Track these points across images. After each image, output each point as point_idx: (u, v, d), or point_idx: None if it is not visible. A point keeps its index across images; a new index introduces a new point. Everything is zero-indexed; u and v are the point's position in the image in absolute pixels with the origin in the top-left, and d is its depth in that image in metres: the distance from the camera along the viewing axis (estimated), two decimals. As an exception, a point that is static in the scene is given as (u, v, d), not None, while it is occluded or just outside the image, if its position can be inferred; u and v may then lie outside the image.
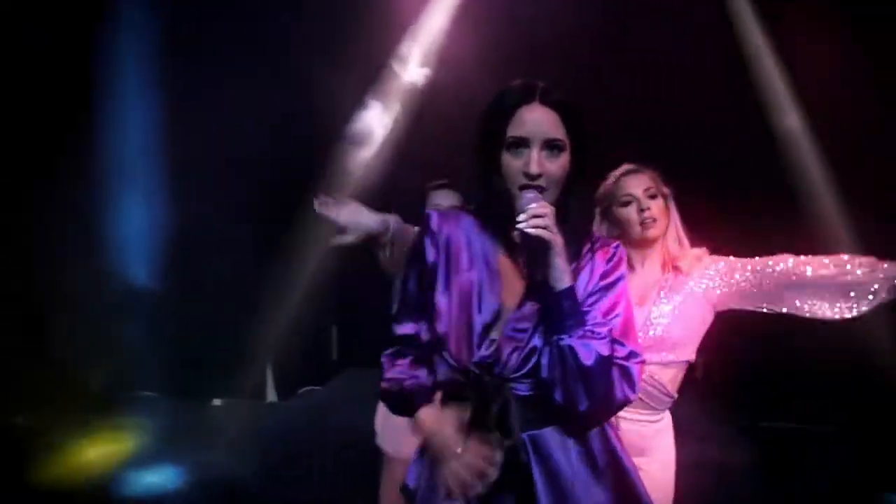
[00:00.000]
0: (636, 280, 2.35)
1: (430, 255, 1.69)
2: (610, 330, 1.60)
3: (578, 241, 1.67)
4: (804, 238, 3.73)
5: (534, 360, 1.59)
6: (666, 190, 2.42)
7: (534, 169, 1.58)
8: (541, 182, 1.59)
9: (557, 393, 1.55)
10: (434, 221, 1.71)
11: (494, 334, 1.61)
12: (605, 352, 1.56)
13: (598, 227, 2.44)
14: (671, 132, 3.94)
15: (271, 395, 4.67)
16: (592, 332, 1.57)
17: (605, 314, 1.62)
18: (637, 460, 2.28)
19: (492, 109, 1.66)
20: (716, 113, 3.88)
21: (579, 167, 1.66)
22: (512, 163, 1.61)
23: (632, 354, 1.62)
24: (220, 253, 4.04)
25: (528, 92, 1.63)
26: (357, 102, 3.76)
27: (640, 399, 2.28)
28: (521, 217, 1.55)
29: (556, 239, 1.56)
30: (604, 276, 1.66)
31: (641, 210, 2.36)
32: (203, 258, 4.11)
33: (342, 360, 4.66)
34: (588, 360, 1.54)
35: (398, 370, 1.69)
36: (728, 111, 3.89)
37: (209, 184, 3.79)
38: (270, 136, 3.99)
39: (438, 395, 1.66)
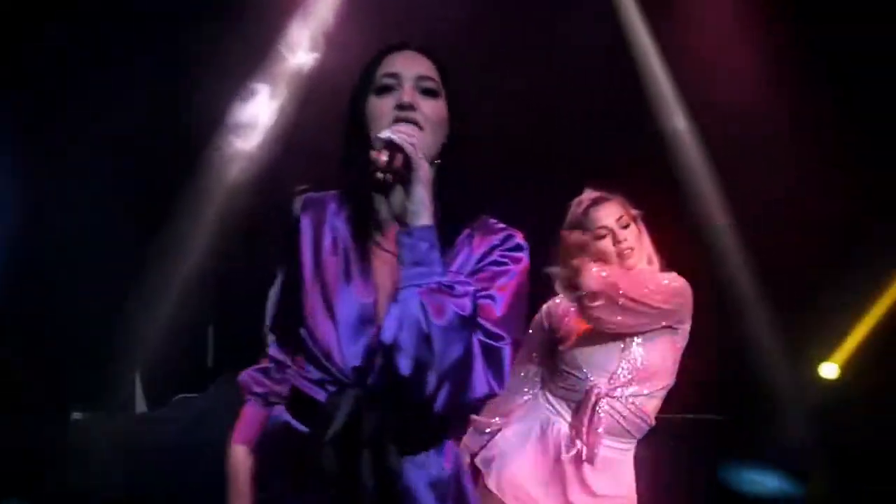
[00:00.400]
0: None
1: (293, 247, 1.45)
2: (475, 291, 1.32)
3: (455, 226, 1.42)
4: (690, 238, 3.89)
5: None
6: (634, 212, 2.38)
7: (406, 98, 1.38)
8: (416, 116, 1.38)
9: (402, 361, 1.25)
10: (296, 207, 1.48)
11: (368, 335, 1.36)
12: (465, 311, 1.27)
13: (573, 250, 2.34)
14: (560, 129, 3.94)
15: (140, 406, 4.29)
16: (451, 286, 1.28)
17: (483, 283, 1.37)
18: (611, 487, 2.27)
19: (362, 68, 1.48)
20: (604, 112, 3.91)
21: (458, 130, 1.45)
22: (381, 104, 1.41)
23: (501, 336, 1.32)
24: (81, 249, 3.66)
25: (402, 41, 1.49)
26: (241, 89, 3.49)
27: (625, 430, 2.29)
28: (384, 131, 1.34)
29: (419, 161, 1.32)
30: (484, 257, 1.42)
31: (617, 242, 2.30)
32: (61, 255, 3.71)
33: (219, 365, 4.34)
34: (439, 318, 1.24)
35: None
36: (617, 110, 3.93)
37: (72, 174, 3.41)
38: (142, 124, 3.64)
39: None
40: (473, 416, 2.36)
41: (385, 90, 1.41)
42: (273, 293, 1.54)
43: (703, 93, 3.90)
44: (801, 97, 3.68)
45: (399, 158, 1.31)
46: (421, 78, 1.42)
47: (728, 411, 3.99)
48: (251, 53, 3.63)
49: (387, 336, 1.28)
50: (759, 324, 4.16)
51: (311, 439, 1.35)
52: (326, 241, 1.44)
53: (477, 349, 1.29)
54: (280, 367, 1.54)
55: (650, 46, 3.96)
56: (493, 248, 1.42)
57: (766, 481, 3.88)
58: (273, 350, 1.55)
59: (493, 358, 1.31)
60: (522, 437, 2.35)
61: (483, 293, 1.35)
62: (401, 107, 1.38)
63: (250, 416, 1.63)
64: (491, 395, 1.33)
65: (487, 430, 2.41)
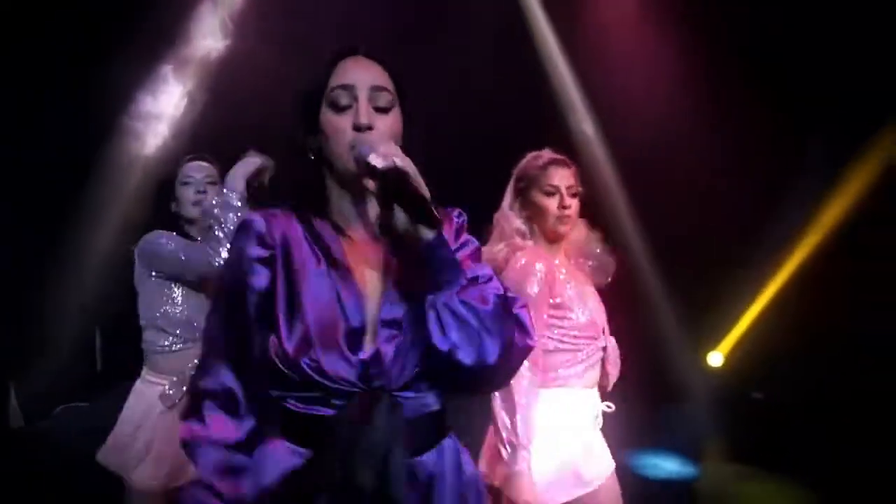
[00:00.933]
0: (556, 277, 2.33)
1: (261, 269, 1.38)
2: (491, 272, 1.42)
3: None
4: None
5: (416, 360, 1.36)
6: (580, 189, 2.41)
7: (363, 118, 1.36)
8: (372, 137, 1.37)
9: (464, 354, 1.32)
10: (259, 225, 1.40)
11: (368, 338, 1.36)
12: (501, 290, 1.38)
13: (511, 203, 2.39)
14: (472, 131, 3.97)
15: (16, 420, 3.90)
16: (476, 277, 1.37)
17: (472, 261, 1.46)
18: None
19: (309, 75, 1.44)
20: (516, 115, 3.97)
21: (409, 143, 1.43)
22: (337, 121, 1.38)
23: (516, 299, 1.42)
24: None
25: (351, 47, 1.45)
26: (146, 78, 3.28)
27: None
28: (373, 157, 1.29)
29: (420, 180, 1.31)
30: (456, 240, 1.48)
31: (562, 206, 2.33)
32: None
33: (108, 371, 4.04)
34: (487, 305, 1.33)
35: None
36: (530, 114, 4.01)
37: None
38: (49, 115, 3.34)
39: None
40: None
41: (341, 107, 1.39)
42: (218, 319, 1.44)
43: (608, 94, 4.04)
44: (705, 99, 3.86)
45: (393, 177, 1.30)
46: (375, 90, 1.40)
47: (622, 401, 4.16)
48: (159, 40, 3.42)
49: (441, 343, 1.32)
50: (654, 316, 4.38)
51: (322, 457, 1.33)
52: (303, 254, 1.40)
53: (510, 318, 1.38)
54: (226, 398, 1.41)
55: (556, 47, 4.06)
56: (458, 231, 1.49)
57: (663, 465, 4.08)
58: (224, 378, 1.40)
59: (518, 320, 1.40)
60: None
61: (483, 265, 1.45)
62: (357, 128, 1.37)
63: None
64: (528, 350, 1.42)
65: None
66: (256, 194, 2.45)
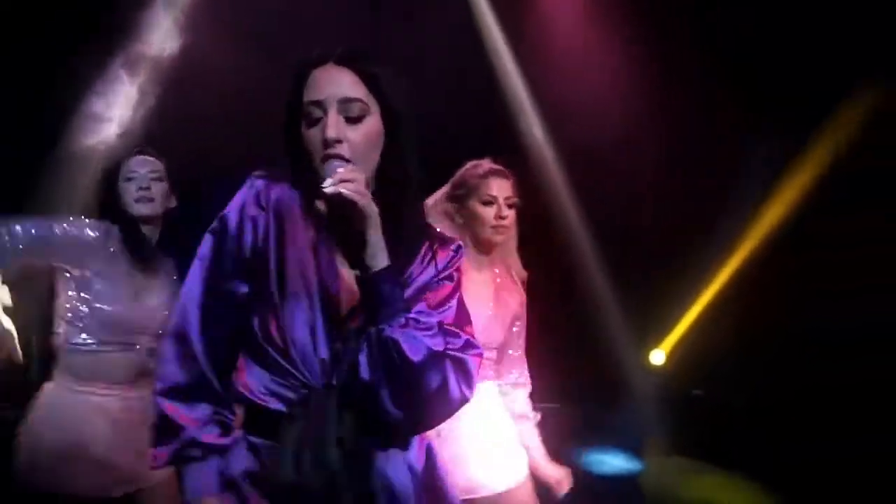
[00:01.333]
0: (471, 286, 2.27)
1: (250, 231, 1.41)
2: (440, 322, 1.40)
3: (414, 240, 1.46)
4: (539, 233, 4.08)
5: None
6: (517, 200, 2.43)
7: (330, 133, 1.36)
8: (341, 150, 1.37)
9: (383, 396, 1.32)
10: (259, 185, 1.43)
11: (342, 333, 1.38)
12: (436, 346, 1.35)
13: (441, 204, 2.39)
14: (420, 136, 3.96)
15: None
16: (417, 321, 1.35)
17: (437, 306, 1.43)
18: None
19: (290, 82, 1.44)
20: (467, 119, 3.99)
21: (397, 142, 1.44)
22: (311, 134, 1.39)
23: (468, 345, 1.41)
24: None
25: (323, 54, 1.43)
26: (99, 75, 3.17)
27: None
28: (327, 182, 1.32)
29: (370, 208, 1.33)
30: (443, 270, 1.48)
31: (499, 216, 2.34)
32: None
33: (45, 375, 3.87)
34: (415, 355, 1.32)
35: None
36: (479, 117, 4.03)
37: None
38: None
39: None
40: None
41: (313, 122, 1.39)
42: (198, 284, 1.43)
43: (555, 93, 4.09)
44: (650, 96, 3.94)
45: (343, 207, 1.32)
46: (345, 102, 1.39)
47: (566, 399, 4.24)
48: (109, 40, 3.31)
49: (364, 374, 1.32)
50: (599, 315, 4.47)
51: (279, 449, 1.34)
52: (298, 228, 1.41)
53: (449, 367, 1.36)
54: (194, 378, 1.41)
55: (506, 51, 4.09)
56: (450, 261, 1.49)
57: (608, 462, 4.18)
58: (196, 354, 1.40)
59: (462, 368, 1.38)
60: None
61: (443, 308, 1.43)
62: (326, 143, 1.37)
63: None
64: (465, 402, 1.39)
65: None
66: None
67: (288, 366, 1.36)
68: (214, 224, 1.45)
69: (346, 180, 1.31)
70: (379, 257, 1.34)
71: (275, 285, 1.38)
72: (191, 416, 1.36)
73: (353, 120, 1.39)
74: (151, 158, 2.55)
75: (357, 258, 1.35)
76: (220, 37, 3.35)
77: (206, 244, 1.44)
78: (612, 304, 4.48)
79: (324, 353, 1.37)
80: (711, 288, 4.51)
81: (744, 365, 4.13)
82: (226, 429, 1.39)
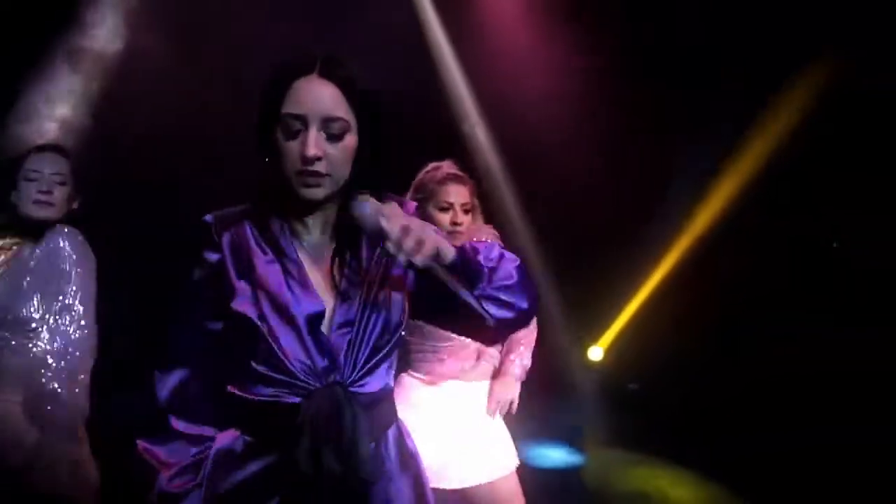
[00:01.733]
0: None
1: (213, 269, 1.44)
2: (499, 249, 1.51)
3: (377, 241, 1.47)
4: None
5: (378, 357, 1.43)
6: (476, 202, 2.48)
7: (310, 151, 1.38)
8: (319, 167, 1.40)
9: (510, 322, 1.44)
10: (208, 226, 1.45)
11: (323, 333, 1.42)
12: (516, 260, 1.48)
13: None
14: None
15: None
16: (492, 259, 1.46)
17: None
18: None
19: (268, 84, 1.44)
20: (411, 116, 4.02)
21: (370, 152, 1.47)
22: (288, 146, 1.41)
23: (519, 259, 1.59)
24: None
25: (307, 63, 1.43)
26: (38, 69, 3.08)
27: None
28: (397, 253, 1.33)
29: (435, 241, 1.37)
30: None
31: (454, 222, 2.40)
32: None
33: None
34: (512, 279, 1.44)
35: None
36: (423, 113, 4.07)
37: None
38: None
39: None
40: None
41: (291, 134, 1.40)
42: (182, 327, 1.47)
43: (495, 92, 4.14)
44: (590, 94, 4.04)
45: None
46: (327, 121, 1.41)
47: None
48: (52, 37, 3.21)
49: (494, 320, 1.43)
50: (540, 312, 4.57)
51: (289, 455, 1.38)
52: (256, 249, 1.44)
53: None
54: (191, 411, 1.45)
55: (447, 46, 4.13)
56: None
57: (550, 455, 4.30)
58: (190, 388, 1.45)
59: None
60: None
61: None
62: (305, 160, 1.39)
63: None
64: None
65: None
66: None
67: (287, 378, 1.39)
68: (185, 280, 1.48)
69: (411, 239, 1.33)
70: (450, 248, 1.39)
71: (253, 313, 1.39)
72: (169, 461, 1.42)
73: (334, 137, 1.41)
74: (60, 157, 2.40)
75: (428, 265, 1.38)
76: (161, 34, 3.28)
77: (181, 305, 1.48)
78: (551, 302, 4.60)
79: (319, 361, 1.40)
80: (648, 286, 4.68)
81: (679, 360, 4.29)
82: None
